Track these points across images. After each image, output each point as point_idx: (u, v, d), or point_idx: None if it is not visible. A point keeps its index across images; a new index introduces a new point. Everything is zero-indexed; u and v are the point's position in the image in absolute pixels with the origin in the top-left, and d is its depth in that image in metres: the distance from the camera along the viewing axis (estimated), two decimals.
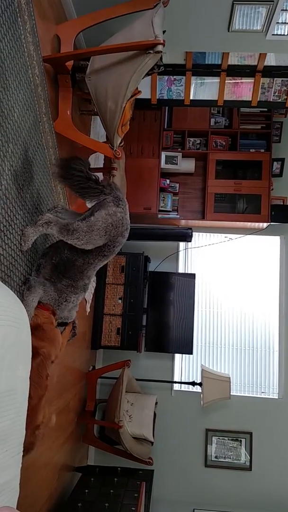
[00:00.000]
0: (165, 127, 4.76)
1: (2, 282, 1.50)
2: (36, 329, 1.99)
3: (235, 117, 4.79)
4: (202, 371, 4.41)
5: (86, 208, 2.32)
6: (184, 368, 4.89)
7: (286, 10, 2.81)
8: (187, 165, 4.80)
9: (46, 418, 1.90)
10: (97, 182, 2.09)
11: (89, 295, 4.13)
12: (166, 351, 4.65)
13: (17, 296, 1.49)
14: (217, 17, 2.87)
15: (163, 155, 4.67)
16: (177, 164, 4.71)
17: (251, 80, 3.79)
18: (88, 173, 2.07)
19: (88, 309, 4.15)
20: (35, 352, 1.79)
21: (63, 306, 2.20)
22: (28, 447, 1.63)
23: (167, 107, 4.72)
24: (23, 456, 1.22)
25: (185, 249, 5.03)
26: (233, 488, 4.52)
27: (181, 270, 4.98)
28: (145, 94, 3.84)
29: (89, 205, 2.22)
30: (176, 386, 4.75)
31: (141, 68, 2.32)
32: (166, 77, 3.86)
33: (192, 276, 4.69)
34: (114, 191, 2.12)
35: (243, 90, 3.86)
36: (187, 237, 4.52)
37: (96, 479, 3.63)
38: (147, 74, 2.52)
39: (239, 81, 3.83)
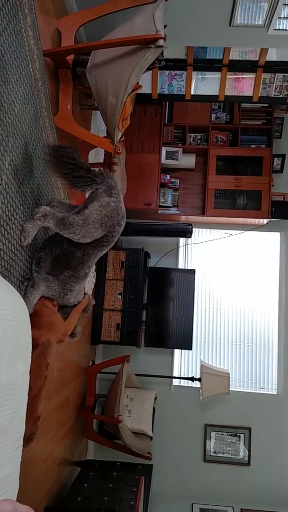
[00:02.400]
0: (166, 122, 4.75)
1: (2, 277, 1.49)
2: (31, 317, 1.98)
3: (236, 112, 4.77)
4: (202, 366, 4.41)
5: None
6: (184, 363, 4.90)
7: None
8: (188, 160, 4.79)
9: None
10: (89, 171, 2.07)
11: (89, 289, 4.13)
12: (166, 347, 4.65)
13: (17, 291, 1.49)
14: (219, 11, 2.86)
15: (164, 150, 4.66)
16: (177, 160, 4.70)
17: (252, 75, 3.78)
18: (80, 161, 2.06)
19: None
20: (34, 343, 1.79)
21: (68, 296, 2.21)
22: (28, 438, 1.63)
23: (168, 102, 4.70)
24: (23, 447, 1.23)
25: (185, 245, 5.03)
26: (231, 483, 4.55)
27: (181, 266, 4.99)
28: (146, 89, 3.82)
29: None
30: (176, 381, 4.76)
31: (142, 63, 2.31)
32: (167, 72, 3.84)
33: (192, 272, 4.69)
34: (106, 180, 2.08)
35: (244, 85, 3.84)
36: (187, 233, 4.51)
37: (95, 474, 3.65)
38: (148, 69, 2.50)
39: (240, 76, 3.81)
